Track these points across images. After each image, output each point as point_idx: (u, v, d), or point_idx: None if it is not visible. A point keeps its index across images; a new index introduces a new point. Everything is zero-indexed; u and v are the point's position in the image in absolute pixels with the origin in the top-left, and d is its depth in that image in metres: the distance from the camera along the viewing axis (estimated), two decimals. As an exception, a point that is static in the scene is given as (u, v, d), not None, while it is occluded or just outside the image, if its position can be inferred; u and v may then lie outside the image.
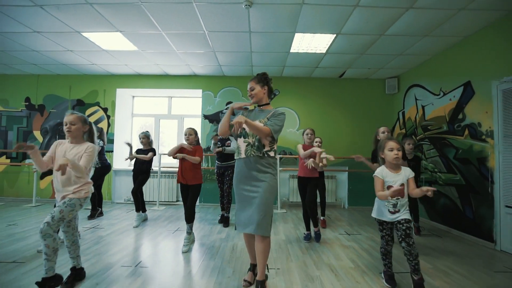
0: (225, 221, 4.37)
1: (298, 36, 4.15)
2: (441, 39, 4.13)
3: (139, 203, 4.44)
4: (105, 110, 6.37)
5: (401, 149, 2.35)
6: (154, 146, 4.67)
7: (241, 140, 2.29)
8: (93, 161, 2.31)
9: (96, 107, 6.37)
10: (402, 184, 2.31)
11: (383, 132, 3.44)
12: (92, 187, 2.41)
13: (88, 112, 6.36)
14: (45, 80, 6.40)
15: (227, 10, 3.48)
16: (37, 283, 2.05)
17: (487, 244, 3.60)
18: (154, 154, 4.55)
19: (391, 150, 2.34)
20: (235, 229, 4.11)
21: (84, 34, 4.20)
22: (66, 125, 2.26)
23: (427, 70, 5.02)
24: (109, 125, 6.34)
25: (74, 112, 2.34)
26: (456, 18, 3.54)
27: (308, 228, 3.68)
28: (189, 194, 3.41)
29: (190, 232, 3.38)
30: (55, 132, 6.35)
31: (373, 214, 2.49)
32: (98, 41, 4.47)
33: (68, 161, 1.98)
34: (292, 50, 4.69)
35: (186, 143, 3.50)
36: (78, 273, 2.39)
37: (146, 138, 4.54)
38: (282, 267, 2.77)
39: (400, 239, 2.26)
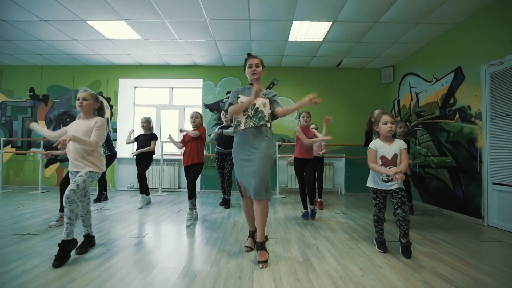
0: (226, 202, 4.55)
1: (296, 24, 4.31)
2: (432, 26, 4.30)
3: (144, 186, 4.59)
4: (108, 100, 6.52)
5: (394, 122, 2.54)
6: (155, 132, 4.86)
7: (240, 113, 2.45)
8: (105, 134, 2.45)
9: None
10: (396, 174, 2.40)
11: (385, 123, 3.63)
12: (104, 162, 2.55)
13: (91, 102, 6.49)
14: (49, 70, 6.55)
15: (227, -3, 3.64)
16: (58, 244, 2.21)
17: (475, 220, 3.79)
18: (156, 139, 4.71)
19: (385, 123, 2.53)
20: (225, 208, 4.39)
21: (89, 22, 4.35)
22: (78, 100, 2.40)
23: (421, 58, 5.19)
24: (112, 114, 6.50)
25: (87, 89, 2.49)
26: (446, 5, 3.70)
27: (305, 207, 3.86)
28: (191, 171, 3.61)
29: (192, 208, 3.56)
30: (59, 122, 6.50)
31: (368, 184, 2.68)
32: (102, 29, 4.61)
33: (68, 137, 2.10)
34: (290, 39, 4.85)
35: (189, 129, 3.74)
36: (90, 240, 2.57)
37: (147, 123, 4.70)
38: (281, 238, 2.95)
39: (396, 206, 2.45)
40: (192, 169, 3.61)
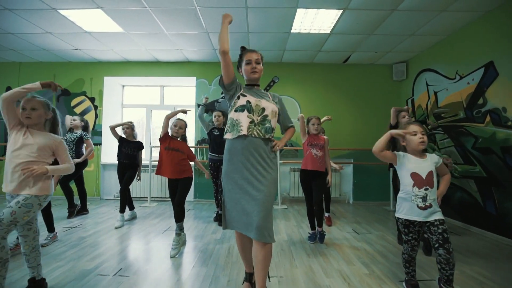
0: (220, 219, 3.96)
1: (300, 12, 3.70)
2: (459, 14, 3.69)
3: (125, 203, 4.00)
4: (92, 100, 5.92)
5: (425, 132, 2.01)
6: (140, 139, 4.32)
7: (243, 114, 1.86)
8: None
9: (83, 97, 5.92)
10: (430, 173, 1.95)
11: (403, 117, 3.14)
12: (53, 185, 2.06)
13: (74, 102, 5.91)
14: (27, 68, 5.94)
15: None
16: None
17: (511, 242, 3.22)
18: (143, 148, 4.22)
19: (415, 134, 1.99)
20: (220, 225, 3.77)
21: (61, 11, 3.74)
22: (25, 110, 1.94)
23: (441, 53, 4.58)
24: (96, 116, 5.90)
25: (35, 96, 2.02)
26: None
27: (313, 227, 3.28)
28: (178, 189, 3.02)
29: (179, 233, 2.97)
30: (39, 124, 5.91)
31: (399, 214, 2.05)
32: (78, 21, 4.01)
33: (44, 170, 1.84)
34: (293, 30, 4.24)
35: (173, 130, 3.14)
36: (38, 286, 2.00)
37: (130, 129, 4.13)
38: (286, 275, 2.38)
39: (437, 245, 1.86)
40: (180, 186, 3.02)
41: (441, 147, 4.48)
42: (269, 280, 2.25)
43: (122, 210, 3.93)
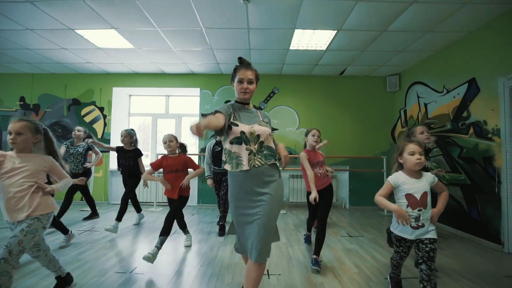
0: (221, 228, 4.00)
1: (298, 33, 4.03)
2: (444, 34, 4.02)
3: (123, 212, 3.96)
4: (101, 109, 6.24)
5: (423, 153, 2.06)
6: (146, 146, 4.50)
7: (241, 148, 1.81)
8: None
9: (92, 106, 6.24)
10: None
11: (422, 133, 2.99)
12: (55, 202, 2.07)
13: (84, 111, 6.23)
14: (40, 79, 6.27)
15: (224, 5, 3.36)
16: None
17: (494, 246, 3.49)
18: (141, 155, 4.21)
19: (412, 154, 2.02)
20: (220, 235, 3.76)
21: (77, 31, 4.07)
22: (10, 134, 1.89)
23: (430, 67, 4.90)
24: (105, 124, 6.21)
25: (22, 118, 1.94)
26: (460, 12, 3.42)
27: (309, 230, 3.56)
28: (174, 202, 3.12)
29: (159, 247, 2.86)
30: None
31: (393, 229, 2.13)
32: (92, 38, 4.34)
33: (51, 190, 1.96)
34: (291, 47, 4.56)
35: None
36: (64, 280, 2.27)
37: (128, 136, 4.08)
38: (284, 273, 2.66)
39: (421, 261, 1.94)
40: (175, 203, 3.10)
41: (431, 156, 4.76)
42: (269, 278, 2.53)
43: (118, 219, 3.88)
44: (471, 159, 3.91)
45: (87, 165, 4.30)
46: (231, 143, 1.83)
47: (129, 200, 4.20)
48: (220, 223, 4.08)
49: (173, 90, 6.44)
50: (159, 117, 6.76)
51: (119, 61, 5.44)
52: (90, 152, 4.46)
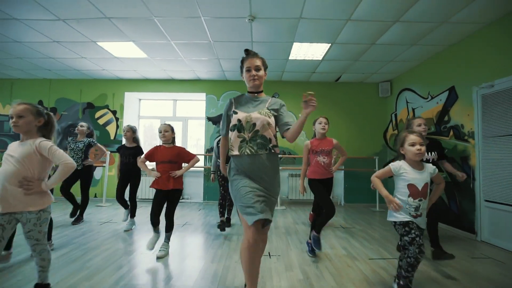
0: (227, 221, 4.24)
1: (296, 45, 4.51)
2: (427, 47, 4.49)
3: (135, 209, 4.17)
4: (113, 112, 6.72)
5: (424, 143, 2.06)
6: (140, 144, 4.21)
7: (234, 134, 1.90)
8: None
9: (106, 110, 6.73)
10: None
11: (419, 125, 3.02)
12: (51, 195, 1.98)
13: (97, 114, 6.71)
14: (57, 84, 6.76)
15: (231, 23, 3.85)
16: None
17: (469, 235, 3.95)
18: (140, 153, 3.98)
19: (413, 145, 2.05)
20: (221, 231, 3.72)
21: (99, 43, 4.56)
22: (12, 118, 1.82)
23: (417, 75, 5.38)
24: (117, 127, 6.69)
25: (23, 102, 1.88)
26: (439, 30, 3.90)
27: (318, 232, 3.04)
28: (171, 199, 3.07)
29: (168, 241, 3.11)
30: (66, 134, 6.68)
31: (392, 218, 2.12)
32: (111, 49, 4.82)
33: (39, 189, 1.83)
34: (290, 58, 5.05)
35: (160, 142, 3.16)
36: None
37: (130, 131, 4.06)
38: (283, 254, 3.12)
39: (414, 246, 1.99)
40: (173, 197, 3.05)
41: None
42: (270, 257, 2.99)
43: (132, 216, 4.12)
44: (451, 159, 4.36)
45: (87, 162, 4.24)
46: (231, 130, 1.93)
47: (125, 198, 4.18)
48: (226, 217, 4.22)
49: (180, 95, 6.93)
50: (167, 119, 7.22)
51: (132, 69, 5.93)
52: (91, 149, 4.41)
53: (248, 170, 1.86)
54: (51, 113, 2.06)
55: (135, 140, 4.13)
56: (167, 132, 3.03)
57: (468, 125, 4.06)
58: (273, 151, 1.90)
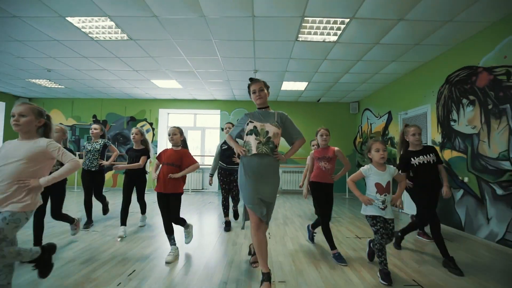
0: (234, 213, 4.58)
1: (285, 83, 6.70)
2: (375, 84, 6.65)
3: (145, 206, 4.34)
4: (150, 124, 8.89)
5: (386, 150, 2.50)
6: (149, 147, 4.08)
7: (252, 137, 2.33)
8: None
9: (144, 122, 8.89)
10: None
11: (413, 135, 3.08)
12: (41, 197, 1.93)
13: (138, 125, 8.86)
14: (107, 102, 8.93)
15: (240, 60, 6.00)
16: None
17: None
18: (147, 155, 3.94)
19: (377, 151, 2.48)
20: (226, 231, 4.00)
21: (152, 80, 6.72)
22: (13, 116, 1.82)
23: (372, 100, 7.54)
24: (153, 135, 8.86)
25: (26, 102, 1.83)
26: (378, 75, 6.04)
27: (334, 247, 3.08)
28: (170, 205, 2.99)
29: (175, 243, 3.04)
30: (115, 140, 8.83)
31: (365, 212, 2.55)
32: (159, 83, 6.99)
33: (35, 185, 1.79)
34: (282, 88, 7.21)
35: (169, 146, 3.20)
36: (44, 254, 1.99)
37: (139, 134, 3.97)
38: (280, 237, 3.83)
39: (386, 237, 2.49)
40: (172, 203, 2.98)
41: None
42: (269, 238, 3.69)
43: (142, 213, 4.36)
44: (389, 161, 6.50)
45: (102, 162, 4.24)
46: (247, 134, 2.38)
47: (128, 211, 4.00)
48: (226, 219, 4.30)
49: (200, 111, 9.08)
50: (188, 129, 9.36)
51: (167, 93, 8.09)
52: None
53: (255, 168, 2.31)
54: (50, 115, 2.04)
55: (144, 142, 4.04)
56: (176, 135, 3.02)
57: (396, 137, 6.20)
58: (276, 158, 2.39)
